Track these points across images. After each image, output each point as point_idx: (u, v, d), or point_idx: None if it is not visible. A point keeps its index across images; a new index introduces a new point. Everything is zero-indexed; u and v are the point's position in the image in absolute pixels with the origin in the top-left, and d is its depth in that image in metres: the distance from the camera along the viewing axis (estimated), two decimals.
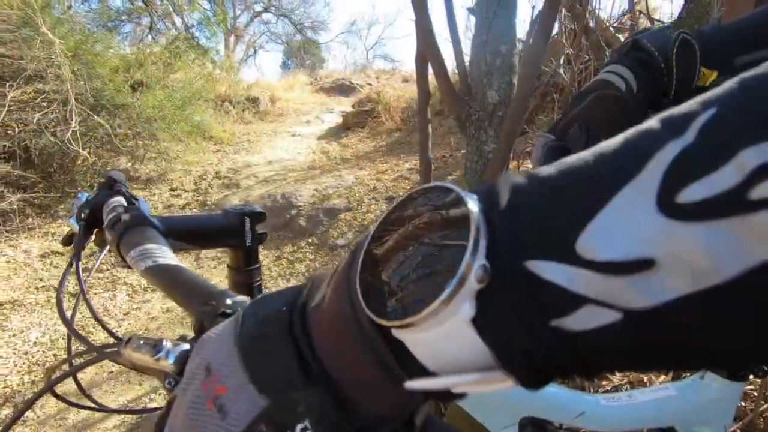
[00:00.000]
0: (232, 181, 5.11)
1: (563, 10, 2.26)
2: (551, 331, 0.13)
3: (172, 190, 5.11)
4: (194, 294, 0.30)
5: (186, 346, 0.23)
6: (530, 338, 0.13)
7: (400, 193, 4.02)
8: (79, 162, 4.88)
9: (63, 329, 2.92)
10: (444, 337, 0.14)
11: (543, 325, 0.13)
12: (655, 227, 0.12)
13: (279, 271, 3.38)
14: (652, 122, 0.14)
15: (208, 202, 4.73)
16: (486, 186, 0.16)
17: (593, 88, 0.58)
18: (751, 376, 0.54)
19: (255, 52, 16.01)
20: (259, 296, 0.21)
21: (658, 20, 2.96)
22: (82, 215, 0.50)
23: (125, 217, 0.40)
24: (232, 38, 13.07)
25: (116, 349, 0.29)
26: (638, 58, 0.56)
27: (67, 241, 0.62)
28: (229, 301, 0.27)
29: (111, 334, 0.46)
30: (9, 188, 4.15)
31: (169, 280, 0.33)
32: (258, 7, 14.31)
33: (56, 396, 0.40)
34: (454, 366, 0.15)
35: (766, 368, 0.53)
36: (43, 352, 2.71)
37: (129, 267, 0.39)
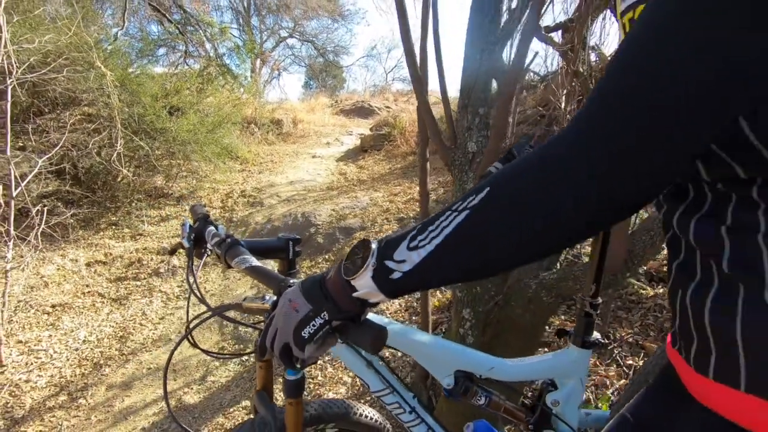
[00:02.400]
0: (256, 199, 5.51)
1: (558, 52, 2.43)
2: (389, 280, 0.43)
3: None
4: (272, 278, 0.63)
5: (275, 298, 0.55)
6: (384, 281, 0.44)
7: (411, 215, 4.33)
8: (119, 179, 5.38)
9: (107, 330, 3.30)
10: (363, 281, 0.45)
11: (387, 278, 0.44)
12: (408, 253, 0.42)
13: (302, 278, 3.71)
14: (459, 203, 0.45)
15: (234, 219, 5.12)
16: (385, 236, 0.47)
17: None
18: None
19: (279, 73, 16.76)
20: (305, 279, 0.53)
21: None
22: (192, 237, 0.83)
23: (228, 240, 0.73)
24: (258, 62, 13.79)
25: (239, 302, 0.61)
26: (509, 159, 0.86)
27: (172, 251, 0.95)
28: (291, 281, 0.60)
29: (207, 306, 0.78)
30: (59, 203, 4.63)
31: (258, 272, 0.65)
32: (284, 33, 15.10)
33: (193, 344, 0.72)
34: (366, 290, 0.45)
35: (604, 343, 0.82)
36: (91, 349, 3.08)
37: (230, 267, 0.71)
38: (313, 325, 0.47)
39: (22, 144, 4.63)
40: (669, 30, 0.30)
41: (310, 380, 2.47)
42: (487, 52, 1.44)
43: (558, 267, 1.97)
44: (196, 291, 0.71)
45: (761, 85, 0.28)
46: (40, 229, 3.11)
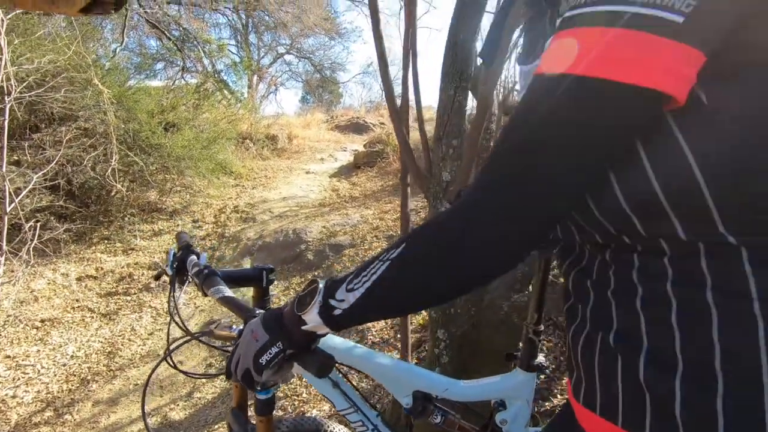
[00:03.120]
0: (249, 215, 5.58)
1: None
2: (332, 316, 0.51)
3: (194, 221, 5.60)
4: (241, 308, 0.70)
5: (240, 327, 0.63)
6: (328, 317, 0.51)
7: (399, 233, 4.42)
8: (113, 194, 5.44)
9: (96, 345, 3.33)
10: (312, 316, 0.53)
11: (331, 314, 0.51)
12: (346, 294, 0.50)
13: (286, 300, 3.76)
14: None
15: (226, 234, 5.18)
16: (332, 277, 0.55)
17: None
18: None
19: (276, 88, 16.98)
20: (267, 310, 0.61)
21: None
22: (175, 265, 0.91)
23: (205, 271, 0.81)
24: (255, 78, 13.99)
25: (211, 329, 0.69)
26: None
27: (156, 277, 1.02)
28: (256, 312, 0.67)
29: (185, 330, 0.85)
30: (52, 217, 4.68)
31: (229, 302, 0.73)
32: (281, 49, 15.36)
33: (172, 366, 0.78)
34: (314, 324, 0.53)
35: (546, 366, 0.89)
36: (79, 364, 3.11)
37: (206, 295, 0.78)
38: (270, 354, 0.55)
39: (17, 158, 4.70)
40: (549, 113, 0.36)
41: (295, 397, 2.52)
42: (461, 87, 1.54)
43: (530, 289, 2.06)
44: (177, 318, 0.78)
45: (599, 174, 0.37)
46: (33, 245, 3.16)
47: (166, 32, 8.59)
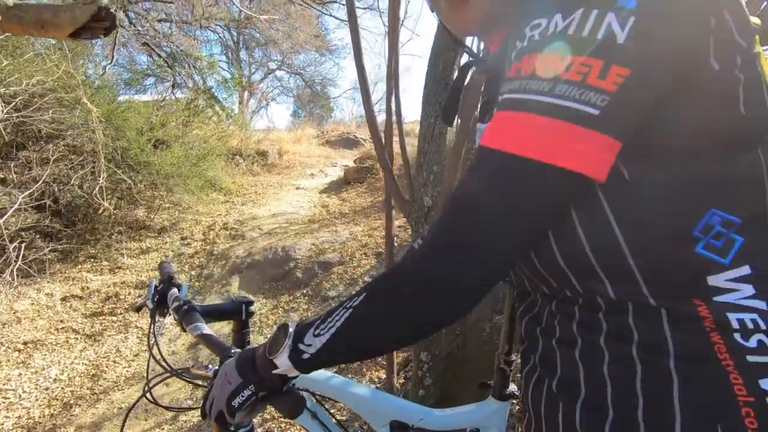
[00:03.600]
0: (238, 232, 5.57)
1: None
2: (301, 359, 0.53)
3: (183, 239, 5.57)
4: (219, 347, 0.72)
5: (216, 367, 0.65)
6: (297, 360, 0.54)
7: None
8: (100, 212, 5.40)
9: (80, 368, 3.27)
10: (282, 360, 0.55)
11: (300, 358, 0.53)
12: (313, 338, 0.52)
13: (275, 319, 3.74)
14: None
15: (215, 252, 5.16)
16: (301, 321, 0.57)
17: None
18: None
19: (267, 103, 17.07)
20: (242, 350, 0.63)
21: None
22: (155, 298, 0.92)
23: (184, 307, 0.83)
24: (246, 93, 14.06)
25: (188, 368, 0.71)
26: None
27: (137, 309, 1.04)
28: (232, 351, 0.69)
29: (164, 367, 0.86)
30: (38, 235, 4.63)
31: (207, 340, 0.75)
32: (272, 65, 15.50)
33: (152, 401, 0.80)
34: (285, 367, 0.55)
35: (517, 394, 0.92)
36: (62, 388, 3.05)
37: (185, 331, 0.80)
38: (242, 396, 0.57)
39: (2, 177, 4.66)
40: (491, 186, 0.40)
41: (280, 419, 2.50)
42: (440, 116, 1.59)
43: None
44: (156, 354, 0.80)
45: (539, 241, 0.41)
46: (17, 266, 3.13)
47: (156, 50, 8.64)
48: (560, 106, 0.35)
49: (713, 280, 0.37)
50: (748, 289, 0.36)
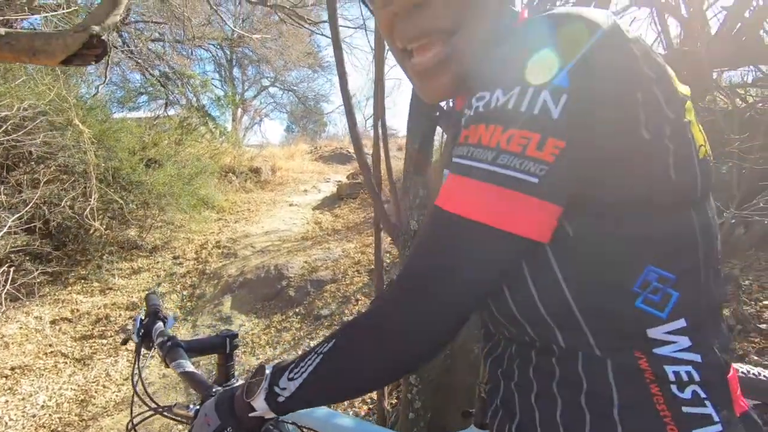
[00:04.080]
0: (231, 250, 5.55)
1: None
2: (277, 402, 0.55)
3: (175, 258, 5.55)
4: (201, 386, 0.74)
5: (197, 407, 0.66)
6: (273, 403, 0.56)
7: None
8: (91, 232, 5.37)
9: (68, 393, 3.23)
10: (259, 402, 0.56)
11: (275, 400, 0.55)
12: (288, 382, 0.54)
13: (267, 339, 3.72)
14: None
15: (207, 271, 5.14)
16: (277, 364, 0.59)
17: None
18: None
19: (261, 120, 17.16)
20: (222, 389, 0.65)
21: None
22: (140, 333, 0.94)
23: (168, 343, 0.84)
24: (239, 110, 14.15)
25: (171, 407, 0.72)
26: None
27: (124, 342, 1.05)
28: (213, 390, 0.71)
29: (148, 405, 0.87)
30: (27, 258, 4.59)
31: (189, 378, 0.76)
32: (265, 82, 15.65)
33: None
34: (262, 410, 0.57)
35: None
36: (49, 415, 3.00)
37: (169, 367, 0.82)
38: None
39: None
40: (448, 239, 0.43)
41: None
42: (413, 170, 1.63)
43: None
44: (139, 390, 0.81)
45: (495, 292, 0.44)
46: (5, 290, 3.10)
47: (149, 70, 8.71)
48: (503, 175, 0.38)
49: (652, 333, 0.39)
50: (684, 341, 0.39)
